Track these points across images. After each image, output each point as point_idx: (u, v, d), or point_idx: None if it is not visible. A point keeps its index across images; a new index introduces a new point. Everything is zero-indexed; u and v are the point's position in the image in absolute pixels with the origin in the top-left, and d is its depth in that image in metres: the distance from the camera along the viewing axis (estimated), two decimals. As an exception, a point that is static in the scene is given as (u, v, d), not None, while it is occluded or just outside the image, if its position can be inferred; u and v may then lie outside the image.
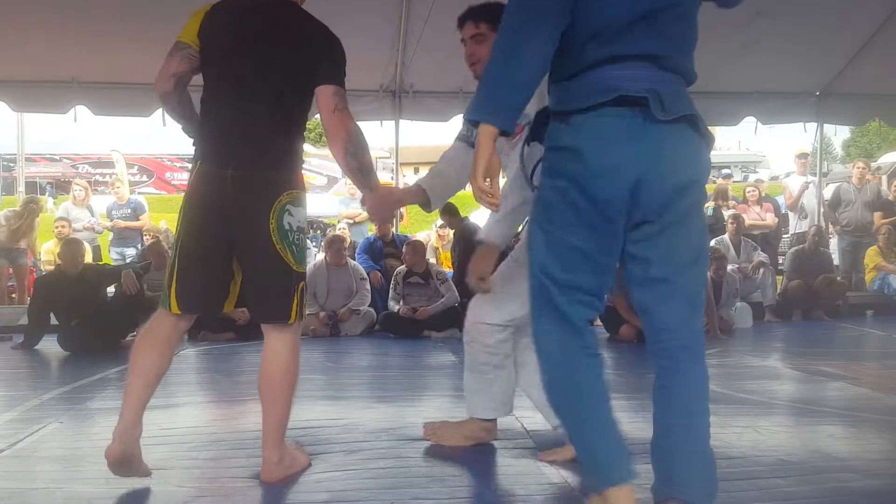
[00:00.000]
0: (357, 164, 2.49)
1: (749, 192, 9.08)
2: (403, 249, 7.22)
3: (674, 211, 1.79)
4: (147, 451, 2.84)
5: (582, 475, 2.30)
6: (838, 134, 38.70)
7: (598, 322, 7.00)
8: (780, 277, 8.48)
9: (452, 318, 6.57)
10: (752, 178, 29.72)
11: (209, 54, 2.45)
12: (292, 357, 2.48)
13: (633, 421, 3.50)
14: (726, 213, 8.51)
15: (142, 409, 2.42)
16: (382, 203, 2.80)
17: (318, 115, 2.49)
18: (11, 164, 28.48)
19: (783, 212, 9.49)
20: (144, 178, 30.92)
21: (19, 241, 7.89)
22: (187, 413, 3.68)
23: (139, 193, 14.98)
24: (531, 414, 3.44)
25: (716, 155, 38.67)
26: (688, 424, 1.84)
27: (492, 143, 1.75)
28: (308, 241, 9.14)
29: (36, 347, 5.89)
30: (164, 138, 61.31)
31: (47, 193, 26.56)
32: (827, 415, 3.61)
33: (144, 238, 9.15)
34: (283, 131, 2.42)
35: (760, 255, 7.97)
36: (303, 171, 2.50)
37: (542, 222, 1.87)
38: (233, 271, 2.49)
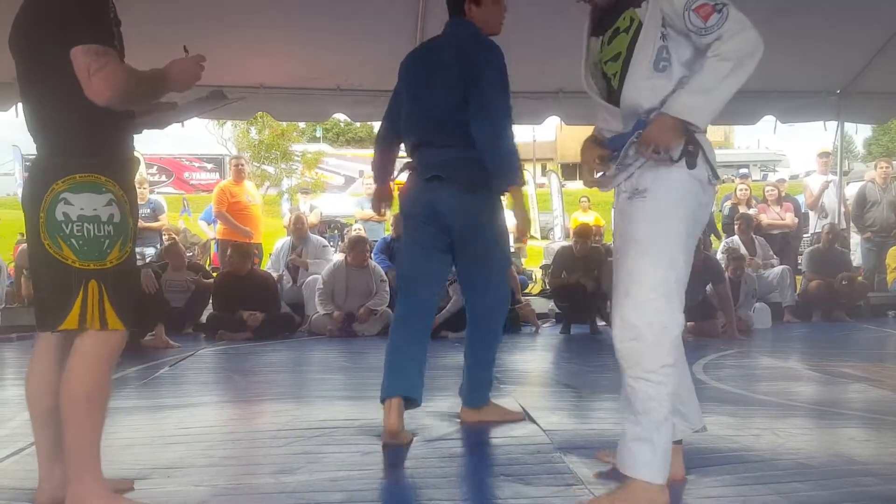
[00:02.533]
0: (143, 105, 2.26)
1: (769, 191, 9.00)
2: None
3: (460, 236, 3.11)
4: (164, 451, 2.87)
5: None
6: (860, 132, 38.28)
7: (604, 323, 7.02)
8: (800, 278, 8.39)
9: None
10: (771, 177, 29.46)
11: None
12: (83, 372, 2.10)
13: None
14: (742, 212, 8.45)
15: (45, 452, 2.21)
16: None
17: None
18: (33, 165, 28.90)
19: (803, 211, 9.40)
20: (163, 178, 31.16)
21: None
22: (204, 412, 3.70)
23: (158, 193, 15.10)
24: (547, 414, 3.44)
25: (734, 154, 38.48)
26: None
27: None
28: (324, 239, 9.19)
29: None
30: (183, 138, 62.14)
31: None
32: (848, 417, 3.57)
33: (164, 238, 9.23)
34: (57, 113, 2.12)
35: (773, 258, 7.92)
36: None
37: (405, 238, 3.34)
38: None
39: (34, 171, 2.17)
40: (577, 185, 37.97)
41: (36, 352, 2.26)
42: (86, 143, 2.12)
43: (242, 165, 8.64)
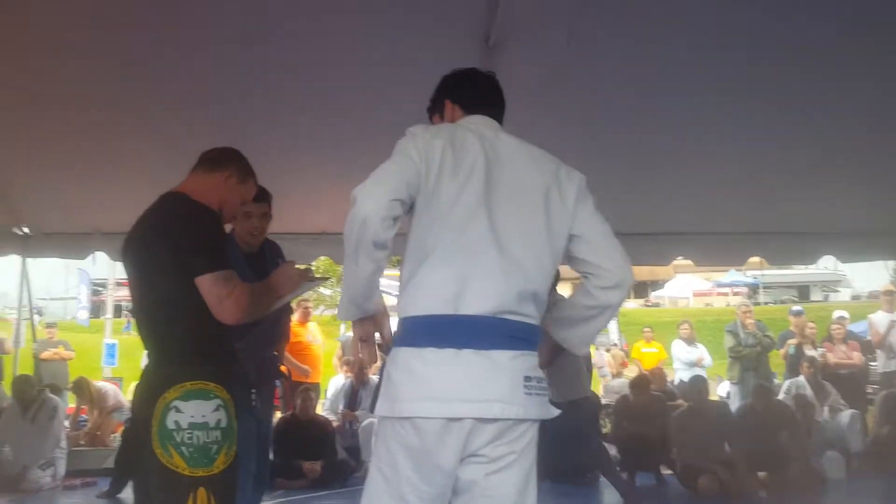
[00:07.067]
0: (267, 312, 2.40)
1: (834, 329, 8.75)
2: None
3: None
4: None
5: None
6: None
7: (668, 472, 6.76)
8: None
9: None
10: (832, 297, 28.56)
11: None
12: None
13: None
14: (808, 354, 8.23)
15: None
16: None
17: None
18: (100, 289, 29.83)
19: (866, 338, 9.06)
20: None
21: None
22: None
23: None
24: None
25: (794, 275, 37.13)
26: None
27: None
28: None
29: (119, 496, 5.91)
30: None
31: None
32: None
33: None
34: (170, 327, 2.26)
35: (839, 402, 7.62)
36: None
37: None
38: None
39: (145, 381, 2.27)
40: (632, 305, 36.17)
41: None
42: (195, 353, 2.24)
43: (309, 307, 8.82)
